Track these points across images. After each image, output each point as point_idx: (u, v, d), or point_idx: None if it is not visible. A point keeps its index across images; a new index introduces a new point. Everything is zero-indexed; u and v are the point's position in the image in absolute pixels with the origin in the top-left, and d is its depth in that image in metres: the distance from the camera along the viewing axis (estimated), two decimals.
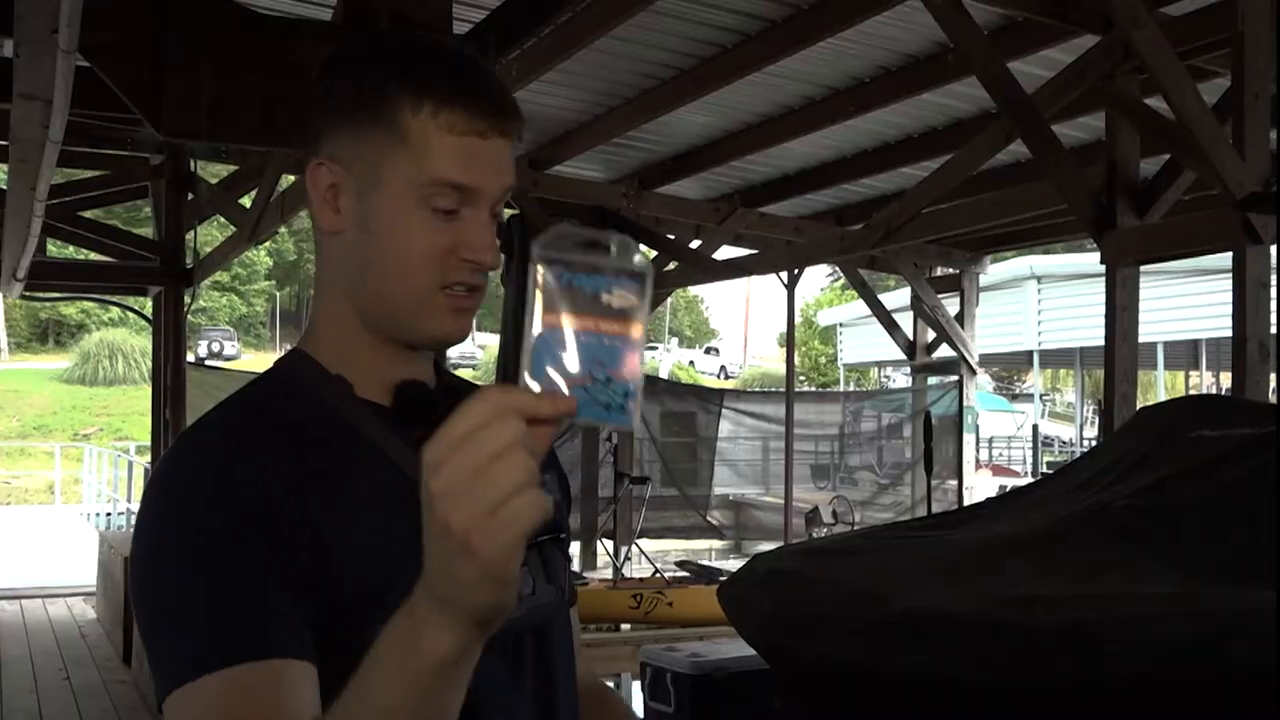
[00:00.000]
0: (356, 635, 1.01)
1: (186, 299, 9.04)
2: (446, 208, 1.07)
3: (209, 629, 0.96)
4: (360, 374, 1.12)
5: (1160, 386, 21.69)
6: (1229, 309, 4.79)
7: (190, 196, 8.85)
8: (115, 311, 31.30)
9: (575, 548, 10.15)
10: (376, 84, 1.07)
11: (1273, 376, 5.09)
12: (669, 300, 43.70)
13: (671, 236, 10.31)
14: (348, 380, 1.12)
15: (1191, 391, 24.52)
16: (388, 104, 1.06)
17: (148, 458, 11.67)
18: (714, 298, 63.40)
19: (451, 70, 1.07)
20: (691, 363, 45.47)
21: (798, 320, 12.17)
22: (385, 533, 1.04)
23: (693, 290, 46.59)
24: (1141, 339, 5.57)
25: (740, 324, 55.64)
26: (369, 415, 1.10)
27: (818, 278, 50.73)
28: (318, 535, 1.01)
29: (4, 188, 5.70)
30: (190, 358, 13.11)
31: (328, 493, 1.03)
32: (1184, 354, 22.03)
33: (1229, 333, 4.83)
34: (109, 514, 15.36)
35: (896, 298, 16.42)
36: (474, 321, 1.18)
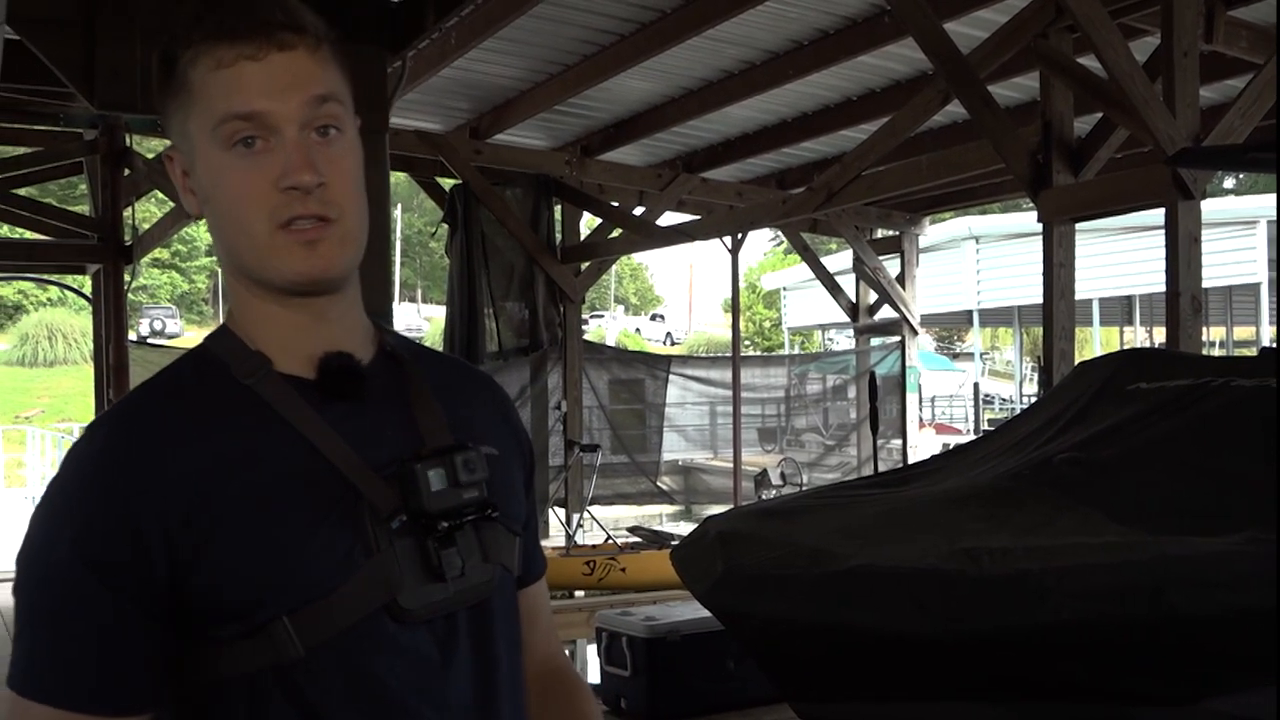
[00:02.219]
0: (235, 620, 1.01)
1: (126, 276, 8.87)
2: (245, 140, 1.03)
3: (49, 662, 0.99)
4: (280, 348, 1.09)
5: (1096, 342, 22.06)
6: (1162, 264, 4.89)
7: (127, 172, 8.68)
8: (54, 291, 30.58)
9: None
10: (167, 57, 1.06)
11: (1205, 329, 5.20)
12: (613, 268, 43.63)
13: (615, 204, 10.30)
14: (267, 356, 1.09)
15: (1126, 346, 24.99)
16: (175, 70, 1.05)
17: None
18: (658, 264, 63.36)
19: (215, 8, 1.04)
20: (637, 330, 45.51)
21: (741, 285, 12.22)
22: (282, 521, 1.02)
23: (637, 257, 46.55)
24: (1077, 296, 5.67)
25: (685, 290, 55.76)
26: (288, 391, 1.07)
27: (760, 242, 50.95)
28: (207, 531, 1.00)
29: None
30: (132, 336, 12.89)
31: (231, 482, 1.02)
32: (1119, 310, 22.41)
33: (1162, 288, 4.93)
34: None
35: (838, 260, 16.53)
36: (339, 255, 1.07)
